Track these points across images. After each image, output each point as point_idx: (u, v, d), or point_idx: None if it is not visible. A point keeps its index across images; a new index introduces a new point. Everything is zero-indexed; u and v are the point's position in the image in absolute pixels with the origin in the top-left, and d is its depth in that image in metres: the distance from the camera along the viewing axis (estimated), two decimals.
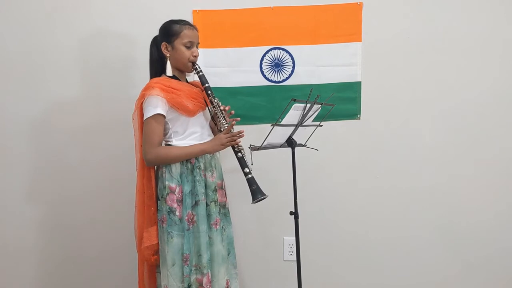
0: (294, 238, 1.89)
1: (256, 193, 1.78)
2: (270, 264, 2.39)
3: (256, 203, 1.80)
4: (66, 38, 2.29)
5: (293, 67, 2.31)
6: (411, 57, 2.29)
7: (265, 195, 1.79)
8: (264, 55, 2.30)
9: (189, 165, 1.85)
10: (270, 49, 2.30)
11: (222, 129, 1.87)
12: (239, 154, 1.84)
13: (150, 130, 1.80)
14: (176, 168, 1.84)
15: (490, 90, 2.29)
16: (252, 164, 1.83)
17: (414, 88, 2.31)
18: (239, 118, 1.93)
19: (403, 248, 2.37)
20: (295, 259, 1.91)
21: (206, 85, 1.88)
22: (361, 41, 2.28)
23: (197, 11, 2.27)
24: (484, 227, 2.34)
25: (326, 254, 2.39)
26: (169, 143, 1.87)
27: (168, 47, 1.87)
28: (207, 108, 1.96)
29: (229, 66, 2.30)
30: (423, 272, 2.37)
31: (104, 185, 2.34)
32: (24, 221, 2.35)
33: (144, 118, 1.80)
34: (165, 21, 1.89)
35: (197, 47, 1.90)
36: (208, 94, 1.88)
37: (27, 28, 2.29)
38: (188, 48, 1.86)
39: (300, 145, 1.96)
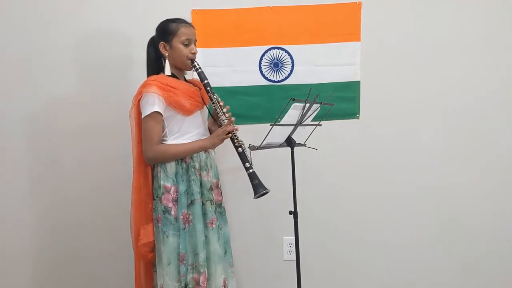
0: (294, 237, 1.89)
1: (258, 188, 1.77)
2: (270, 263, 2.39)
3: (256, 201, 1.80)
4: (65, 38, 2.28)
5: (292, 66, 2.30)
6: (410, 56, 2.29)
7: (267, 189, 1.78)
8: (263, 55, 2.30)
9: (184, 165, 1.85)
10: (269, 49, 2.30)
11: (222, 124, 1.87)
12: (240, 149, 1.82)
13: (148, 128, 1.80)
14: (171, 168, 1.84)
15: (490, 89, 2.29)
16: (251, 164, 1.83)
17: (413, 87, 2.31)
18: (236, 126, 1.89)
19: (402, 247, 2.37)
20: (295, 258, 1.91)
21: (206, 81, 1.88)
22: (360, 41, 2.28)
23: (196, 10, 2.27)
24: (486, 228, 2.33)
25: (325, 254, 2.39)
26: (164, 141, 1.87)
27: (166, 46, 1.86)
28: (205, 106, 1.95)
29: (228, 65, 2.30)
30: (423, 269, 2.37)
31: (102, 185, 2.33)
32: (21, 221, 2.35)
33: (142, 116, 1.80)
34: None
35: (195, 45, 1.90)
36: (207, 91, 1.87)
37: (23, 28, 2.28)
38: (186, 45, 1.86)
39: (300, 144, 1.96)
